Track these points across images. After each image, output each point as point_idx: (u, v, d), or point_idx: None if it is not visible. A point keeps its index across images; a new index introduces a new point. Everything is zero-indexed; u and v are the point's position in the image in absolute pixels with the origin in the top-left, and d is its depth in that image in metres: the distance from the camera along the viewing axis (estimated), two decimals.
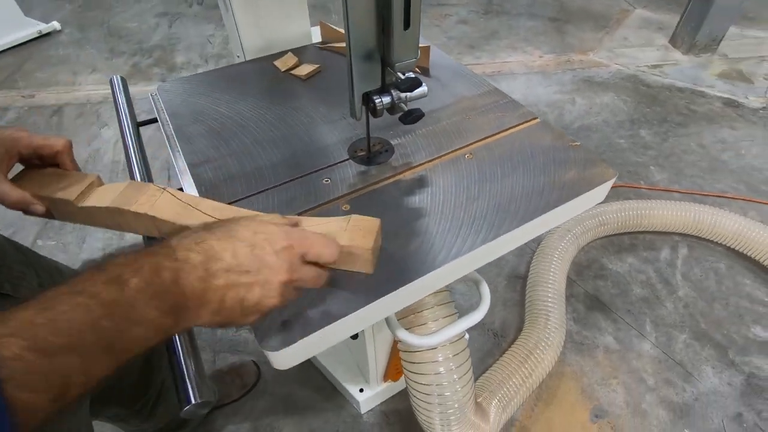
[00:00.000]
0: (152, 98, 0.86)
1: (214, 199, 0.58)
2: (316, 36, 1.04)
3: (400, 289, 0.52)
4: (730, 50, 2.75)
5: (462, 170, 0.67)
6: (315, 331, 0.48)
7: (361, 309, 0.51)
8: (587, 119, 2.27)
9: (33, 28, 2.85)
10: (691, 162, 2.01)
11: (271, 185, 0.66)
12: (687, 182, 1.92)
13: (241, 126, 0.76)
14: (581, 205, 0.64)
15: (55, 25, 2.94)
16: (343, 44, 0.95)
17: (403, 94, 0.60)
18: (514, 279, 1.59)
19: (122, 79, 0.88)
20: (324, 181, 0.67)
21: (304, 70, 0.89)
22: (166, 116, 0.80)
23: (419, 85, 0.56)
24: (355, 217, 0.54)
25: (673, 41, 2.80)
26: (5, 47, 2.75)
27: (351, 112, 0.62)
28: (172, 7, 3.32)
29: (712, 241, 1.67)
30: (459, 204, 0.61)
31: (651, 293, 1.54)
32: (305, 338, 0.48)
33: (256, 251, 0.41)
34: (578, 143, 0.69)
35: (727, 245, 1.62)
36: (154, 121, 0.82)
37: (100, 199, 0.56)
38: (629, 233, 1.73)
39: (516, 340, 1.36)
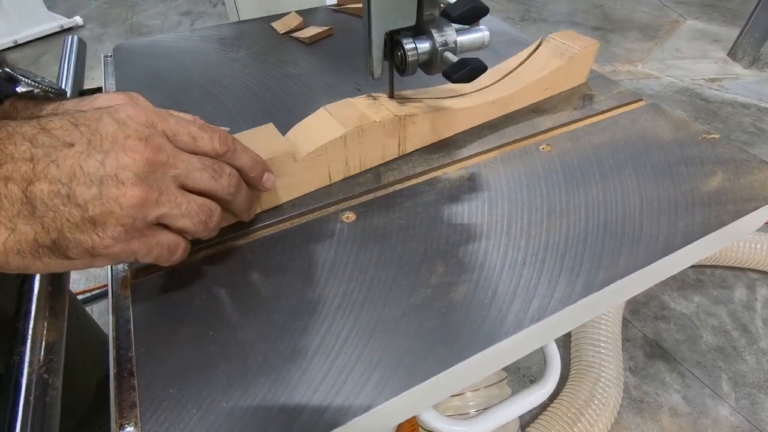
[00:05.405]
0: (104, 61, 0.64)
1: None
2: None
3: (441, 375, 0.28)
4: None
5: (537, 168, 0.42)
6: None
7: (376, 408, 0.27)
8: None
9: (55, 22, 2.80)
10: None
11: None
12: None
13: (209, 94, 0.53)
14: (738, 232, 0.39)
15: (78, 20, 2.89)
16: None
17: (451, 36, 0.36)
18: None
19: (80, 40, 0.68)
20: None
21: (309, 32, 0.66)
22: (113, 81, 0.58)
23: (483, 13, 0.32)
24: None
25: (733, 54, 2.52)
26: (25, 40, 2.71)
27: (367, 69, 0.39)
28: (196, 6, 3.30)
29: None
30: (536, 222, 0.37)
31: (726, 342, 1.26)
32: None
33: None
34: (716, 135, 0.45)
35: None
36: (100, 89, 0.61)
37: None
38: (694, 266, 1.45)
39: (560, 392, 1.09)
